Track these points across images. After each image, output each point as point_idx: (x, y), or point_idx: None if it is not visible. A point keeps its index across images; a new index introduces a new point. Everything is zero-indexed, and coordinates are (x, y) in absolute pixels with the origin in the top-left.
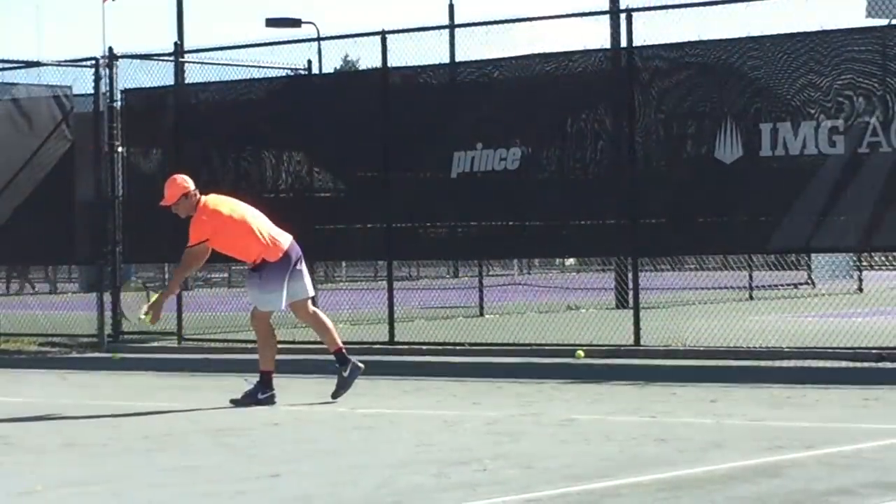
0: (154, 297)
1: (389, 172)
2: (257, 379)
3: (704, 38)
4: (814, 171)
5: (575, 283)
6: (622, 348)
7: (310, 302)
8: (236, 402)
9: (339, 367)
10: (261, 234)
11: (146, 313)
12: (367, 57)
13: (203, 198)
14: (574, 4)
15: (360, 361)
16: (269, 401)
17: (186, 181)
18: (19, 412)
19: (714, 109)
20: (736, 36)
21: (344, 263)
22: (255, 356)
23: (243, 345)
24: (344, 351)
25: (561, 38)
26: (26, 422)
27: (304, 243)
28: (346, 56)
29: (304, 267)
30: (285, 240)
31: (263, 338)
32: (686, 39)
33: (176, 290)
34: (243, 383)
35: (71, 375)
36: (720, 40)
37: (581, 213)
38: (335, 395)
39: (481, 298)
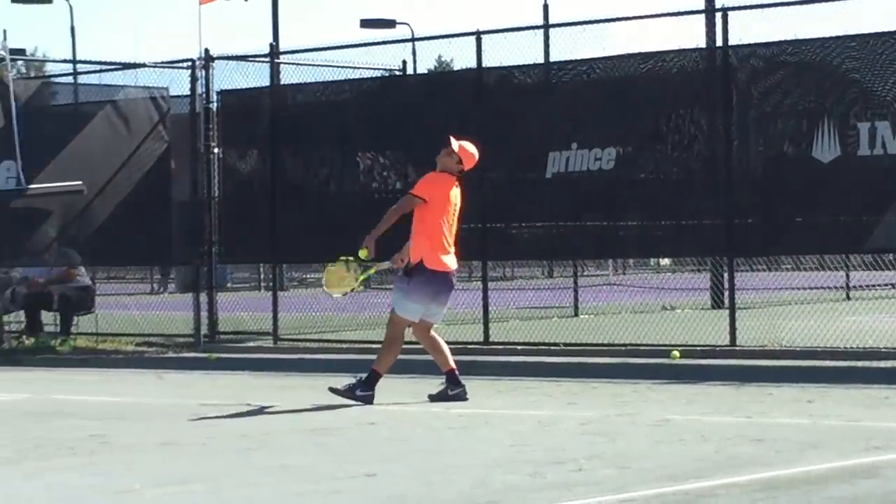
0: (361, 273)
1: (484, 172)
2: (364, 375)
3: (801, 36)
4: None
5: (670, 284)
6: (718, 348)
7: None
8: (361, 398)
9: (449, 384)
10: (443, 236)
11: (359, 285)
12: (460, 57)
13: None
14: (670, 4)
15: (462, 381)
16: (368, 400)
17: (473, 154)
18: (116, 412)
19: (811, 108)
20: (833, 34)
21: None
22: (349, 356)
23: (338, 345)
24: (456, 372)
25: (656, 38)
26: (123, 421)
27: (399, 243)
28: (440, 56)
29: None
30: (452, 262)
31: (391, 340)
32: (782, 38)
33: (383, 230)
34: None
35: (167, 375)
36: (817, 38)
37: (676, 213)
38: (432, 399)
39: (576, 298)
